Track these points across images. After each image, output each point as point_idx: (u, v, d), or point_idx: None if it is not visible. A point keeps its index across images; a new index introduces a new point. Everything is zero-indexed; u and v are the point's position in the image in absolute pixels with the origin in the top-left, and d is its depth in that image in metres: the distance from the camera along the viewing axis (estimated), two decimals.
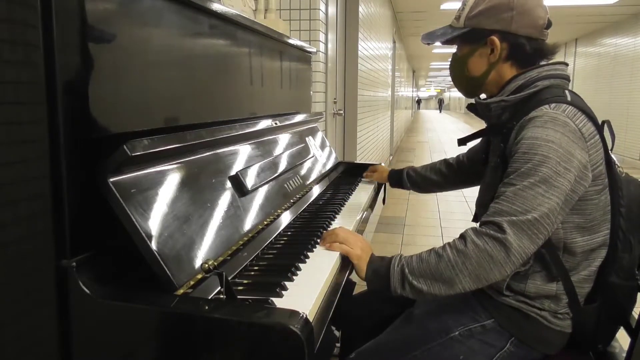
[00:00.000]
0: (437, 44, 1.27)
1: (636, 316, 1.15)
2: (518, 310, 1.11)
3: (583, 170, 1.03)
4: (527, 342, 1.11)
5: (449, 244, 1.03)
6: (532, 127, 1.04)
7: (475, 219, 1.31)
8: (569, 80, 1.17)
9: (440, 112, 43.88)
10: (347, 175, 2.05)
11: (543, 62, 1.18)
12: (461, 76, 1.26)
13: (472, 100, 1.27)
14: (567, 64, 1.18)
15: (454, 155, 1.71)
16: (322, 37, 2.92)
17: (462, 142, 1.39)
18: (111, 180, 0.76)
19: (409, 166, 1.82)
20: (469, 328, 1.12)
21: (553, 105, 1.06)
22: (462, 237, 1.03)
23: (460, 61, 1.24)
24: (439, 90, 57.50)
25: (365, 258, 1.11)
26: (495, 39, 1.15)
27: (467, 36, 1.19)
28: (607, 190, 1.10)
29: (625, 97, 9.35)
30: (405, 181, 1.79)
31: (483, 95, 1.27)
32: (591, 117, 1.08)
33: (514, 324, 1.11)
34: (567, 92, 1.12)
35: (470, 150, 1.61)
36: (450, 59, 1.30)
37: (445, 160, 1.72)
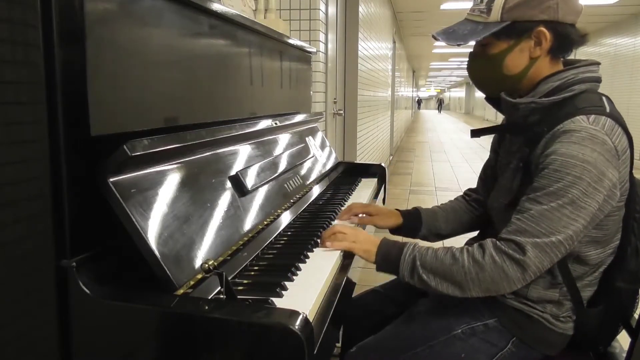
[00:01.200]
0: (433, 41, 1.20)
1: (637, 317, 1.15)
2: (520, 311, 1.11)
3: (612, 189, 0.99)
4: (529, 343, 1.11)
5: (467, 249, 1.03)
6: (568, 142, 0.98)
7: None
8: (600, 82, 1.11)
9: (440, 112, 43.72)
10: (347, 175, 2.06)
11: (574, 59, 1.12)
12: (494, 76, 1.13)
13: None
14: (599, 64, 1.11)
15: (463, 191, 1.47)
16: (322, 37, 2.92)
17: (475, 134, 1.28)
18: (111, 180, 0.76)
19: (427, 212, 1.42)
20: (471, 327, 1.12)
21: (592, 118, 1.00)
22: (482, 247, 1.01)
23: (495, 59, 1.10)
24: (439, 90, 57.50)
25: (371, 247, 1.11)
26: (545, 30, 1.05)
27: (506, 31, 1.07)
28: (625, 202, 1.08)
29: (625, 97, 9.35)
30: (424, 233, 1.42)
31: None
32: (625, 128, 1.03)
33: (516, 324, 1.11)
34: (604, 99, 1.07)
35: (484, 169, 1.41)
36: (471, 58, 1.18)
37: (467, 201, 1.43)
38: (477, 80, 1.20)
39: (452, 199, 1.48)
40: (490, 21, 1.07)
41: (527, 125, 1.10)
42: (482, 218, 1.40)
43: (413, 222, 1.40)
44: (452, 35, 1.12)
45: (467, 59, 1.21)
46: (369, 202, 1.71)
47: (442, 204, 1.46)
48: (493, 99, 1.18)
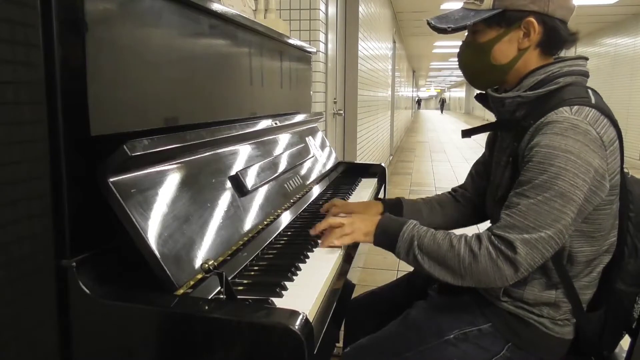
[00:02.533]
0: (431, 32, 1.14)
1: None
2: (516, 316, 1.09)
3: (600, 180, 0.98)
4: (525, 348, 1.09)
5: (465, 238, 1.02)
6: (550, 133, 0.97)
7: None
8: (588, 77, 1.11)
9: (442, 112, 43.20)
10: (347, 175, 2.06)
11: (562, 56, 1.12)
12: (482, 65, 1.13)
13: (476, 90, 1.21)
14: (587, 59, 1.12)
15: (454, 186, 1.47)
16: (322, 37, 2.92)
17: (466, 134, 1.29)
18: (111, 180, 0.76)
19: (410, 203, 1.45)
20: (464, 332, 1.11)
21: (575, 108, 0.99)
22: (479, 239, 1.00)
23: (483, 48, 1.10)
24: (439, 90, 57.48)
25: (370, 228, 1.12)
26: (534, 20, 1.05)
27: (497, 19, 1.07)
28: (618, 197, 1.06)
29: (625, 97, 9.35)
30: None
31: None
32: (613, 120, 1.02)
33: (512, 329, 1.09)
34: (590, 92, 1.06)
35: (476, 165, 1.41)
36: (462, 47, 1.18)
37: (454, 196, 1.43)
38: (465, 69, 1.19)
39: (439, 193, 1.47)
40: (482, 8, 1.08)
41: (515, 120, 1.10)
42: (469, 213, 1.40)
43: (395, 213, 1.38)
44: (444, 19, 1.13)
45: None
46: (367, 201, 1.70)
47: (426, 197, 1.46)
48: (482, 97, 1.19)
